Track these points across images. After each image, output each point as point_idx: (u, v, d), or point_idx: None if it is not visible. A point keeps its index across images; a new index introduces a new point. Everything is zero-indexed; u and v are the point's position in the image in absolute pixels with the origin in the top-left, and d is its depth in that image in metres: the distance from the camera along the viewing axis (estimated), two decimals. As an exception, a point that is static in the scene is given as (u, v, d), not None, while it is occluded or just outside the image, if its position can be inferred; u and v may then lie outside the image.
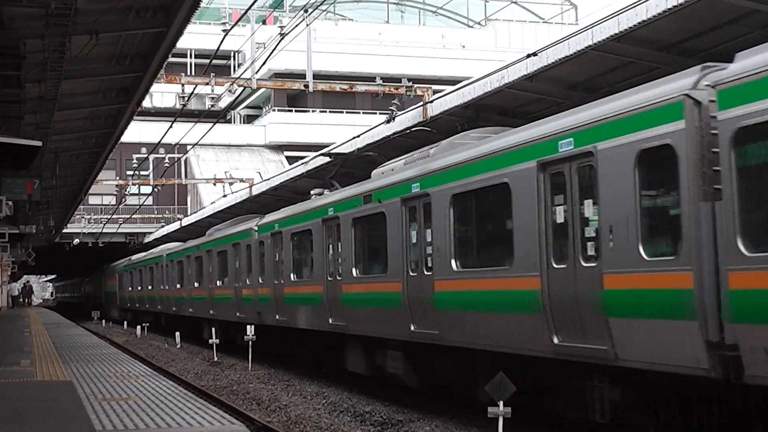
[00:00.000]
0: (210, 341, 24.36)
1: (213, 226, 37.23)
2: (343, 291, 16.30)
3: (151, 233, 54.23)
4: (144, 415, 10.32)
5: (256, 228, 22.10)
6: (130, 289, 46.19)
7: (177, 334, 31.05)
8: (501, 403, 9.64)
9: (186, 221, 47.11)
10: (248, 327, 21.42)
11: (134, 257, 47.12)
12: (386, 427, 12.94)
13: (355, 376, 17.53)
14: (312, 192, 19.75)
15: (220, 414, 10.69)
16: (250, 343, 21.40)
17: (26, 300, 73.29)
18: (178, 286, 33.06)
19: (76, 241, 52.24)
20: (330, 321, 16.85)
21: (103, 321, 49.95)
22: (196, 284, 29.68)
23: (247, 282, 22.76)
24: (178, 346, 29.88)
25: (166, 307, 35.94)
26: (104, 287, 58.94)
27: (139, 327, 38.27)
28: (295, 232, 19.11)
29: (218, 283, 26.37)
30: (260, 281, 21.53)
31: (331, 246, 17.07)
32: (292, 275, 19.27)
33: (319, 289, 17.32)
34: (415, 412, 13.77)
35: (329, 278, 16.92)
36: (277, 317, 20.24)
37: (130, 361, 18.73)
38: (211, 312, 27.19)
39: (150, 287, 39.62)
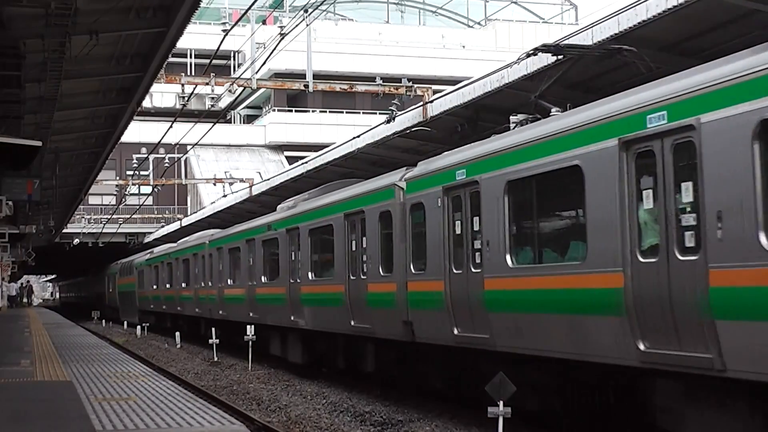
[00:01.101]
0: (210, 341, 24.35)
1: (212, 225, 36.92)
2: (711, 285, 8.12)
3: (151, 233, 54.26)
4: (144, 415, 10.32)
5: (402, 185, 14.09)
6: (154, 287, 38.04)
7: (177, 334, 31.01)
8: (501, 403, 9.66)
9: (186, 221, 47.14)
10: (248, 327, 21.39)
11: (158, 249, 39.94)
12: (386, 427, 12.94)
13: (354, 375, 17.50)
14: (513, 119, 12.54)
15: (220, 414, 10.70)
16: (250, 343, 21.39)
17: (24, 300, 73.28)
18: (229, 282, 25.19)
19: (76, 241, 52.27)
20: (642, 347, 8.96)
21: (103, 321, 49.95)
22: (264, 279, 21.66)
23: (381, 273, 14.67)
24: (178, 346, 29.87)
25: (209, 311, 27.61)
26: (118, 286, 50.29)
27: (138, 327, 38.26)
28: (519, 179, 10.99)
29: (310, 276, 18.28)
30: (414, 271, 13.59)
31: (647, 196, 8.97)
32: (508, 258, 11.11)
33: (614, 282, 9.27)
34: (415, 412, 13.77)
35: (642, 259, 9.00)
36: (458, 331, 12.25)
37: (130, 361, 18.74)
38: (293, 318, 19.08)
39: (184, 284, 31.72)
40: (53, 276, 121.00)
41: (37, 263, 55.27)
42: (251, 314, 22.52)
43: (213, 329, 24.72)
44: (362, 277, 15.47)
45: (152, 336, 36.92)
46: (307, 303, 18.49)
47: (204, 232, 32.07)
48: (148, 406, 11.08)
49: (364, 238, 15.45)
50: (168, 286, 34.88)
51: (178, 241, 35.72)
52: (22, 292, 72.85)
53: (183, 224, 46.77)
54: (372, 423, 13.26)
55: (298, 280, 18.86)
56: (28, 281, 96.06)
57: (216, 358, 23.98)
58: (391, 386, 15.86)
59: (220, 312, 26.09)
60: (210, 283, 27.41)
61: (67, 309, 77.86)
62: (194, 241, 31.06)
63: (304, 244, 18.58)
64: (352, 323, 15.77)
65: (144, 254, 43.30)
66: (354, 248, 15.97)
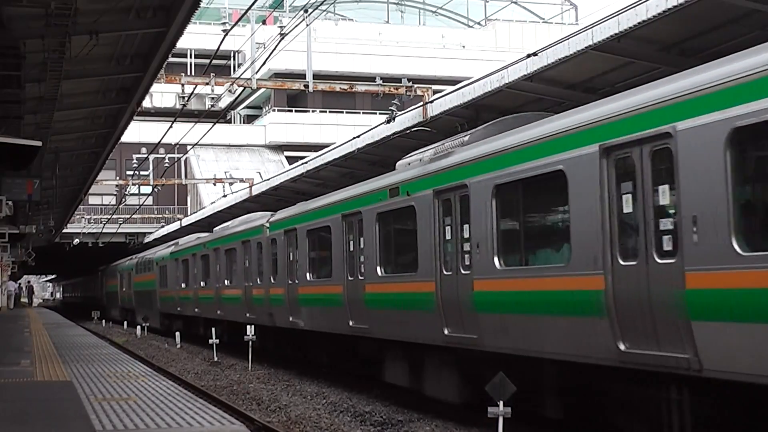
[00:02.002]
0: (210, 341, 24.34)
1: (213, 225, 35.97)
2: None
3: (151, 233, 54.28)
4: (144, 415, 10.32)
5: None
6: (182, 286, 31.75)
7: (177, 334, 30.99)
8: (501, 403, 9.65)
9: (186, 221, 47.15)
10: (248, 327, 21.35)
11: (186, 240, 34.12)
12: (386, 427, 12.94)
13: (355, 376, 17.50)
14: None
15: (220, 414, 10.69)
16: (250, 343, 21.37)
17: (25, 300, 73.26)
18: (309, 277, 18.34)
19: (76, 241, 52.29)
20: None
21: (103, 321, 49.93)
22: (382, 271, 14.78)
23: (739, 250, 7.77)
24: (178, 346, 29.87)
25: (269, 317, 21.00)
26: (134, 284, 44.18)
27: (139, 327, 38.23)
28: None
29: (497, 263, 11.39)
30: None
31: None
32: None
33: None
34: (415, 412, 13.77)
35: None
36: None
37: (130, 361, 18.74)
38: (448, 332, 12.52)
39: (227, 282, 25.35)
40: (53, 276, 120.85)
41: (37, 263, 55.27)
42: (353, 323, 15.78)
43: (213, 329, 24.69)
44: (660, 260, 8.62)
45: (152, 336, 36.92)
46: (489, 308, 11.51)
47: (253, 215, 25.51)
48: (148, 406, 11.08)
49: (662, 188, 8.68)
50: (202, 284, 28.45)
51: (215, 229, 29.12)
52: (20, 292, 72.87)
53: (183, 224, 46.78)
54: (372, 423, 13.26)
55: (465, 271, 12.01)
56: (29, 281, 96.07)
57: (216, 358, 23.97)
58: (391, 386, 15.85)
59: (291, 319, 19.26)
60: (272, 280, 20.64)
61: (72, 310, 71.48)
62: (242, 226, 24.31)
63: (482, 210, 11.52)
64: (623, 346, 9.13)
65: (167, 246, 37.51)
66: (630, 208, 9.10)
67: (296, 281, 18.97)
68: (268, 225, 21.32)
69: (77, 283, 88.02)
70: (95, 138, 22.72)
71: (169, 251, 35.01)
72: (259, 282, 21.88)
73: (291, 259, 19.40)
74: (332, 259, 16.76)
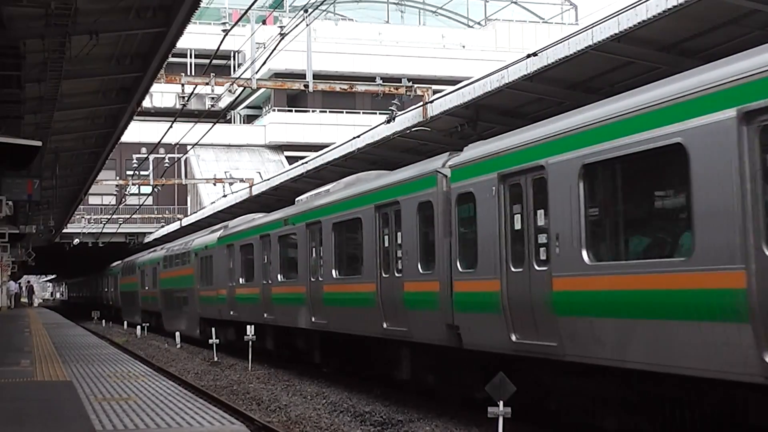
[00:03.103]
0: (210, 341, 24.32)
1: (212, 225, 35.60)
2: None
3: (151, 233, 54.29)
4: (144, 415, 10.32)
5: None
6: (240, 281, 23.53)
7: (177, 334, 30.98)
8: (501, 403, 9.66)
9: (186, 221, 47.16)
10: (248, 327, 21.36)
11: (237, 222, 26.50)
12: (386, 427, 12.95)
13: (355, 376, 17.50)
14: None
15: (220, 414, 10.69)
16: (250, 343, 21.37)
17: (25, 300, 73.28)
18: (588, 258, 9.54)
19: (76, 241, 52.31)
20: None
21: (103, 321, 49.92)
22: None
23: None
24: (178, 346, 29.86)
25: (442, 330, 12.61)
26: (161, 282, 35.97)
27: (138, 327, 38.22)
28: None
29: None
30: None
31: None
32: None
33: None
34: (415, 412, 13.78)
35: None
36: None
37: (130, 361, 18.73)
38: None
39: (336, 273, 16.77)
40: (53, 276, 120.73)
41: (37, 263, 55.27)
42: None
43: (213, 328, 24.65)
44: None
45: (152, 336, 36.91)
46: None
47: (369, 173, 18.05)
48: (148, 406, 11.08)
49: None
50: (281, 278, 20.11)
51: (299, 198, 20.78)
52: (20, 292, 72.92)
53: (183, 224, 46.81)
54: (372, 423, 13.26)
55: None
56: (29, 281, 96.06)
57: (216, 358, 23.97)
58: (391, 386, 15.86)
59: (515, 338, 10.88)
60: (461, 267, 12.18)
61: (77, 312, 65.22)
62: (374, 183, 15.61)
63: None
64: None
65: (210, 231, 29.54)
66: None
67: (541, 267, 10.41)
68: (447, 172, 12.67)
69: (83, 283, 79.59)
70: (95, 138, 22.72)
71: (215, 237, 26.63)
72: (422, 271, 13.34)
73: (518, 227, 10.96)
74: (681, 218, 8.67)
